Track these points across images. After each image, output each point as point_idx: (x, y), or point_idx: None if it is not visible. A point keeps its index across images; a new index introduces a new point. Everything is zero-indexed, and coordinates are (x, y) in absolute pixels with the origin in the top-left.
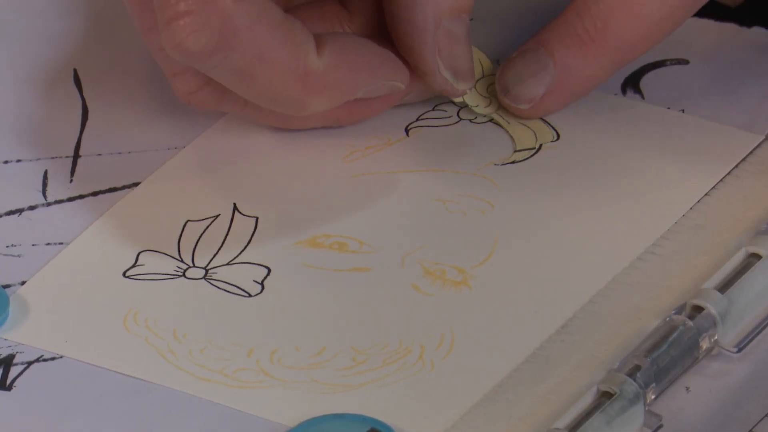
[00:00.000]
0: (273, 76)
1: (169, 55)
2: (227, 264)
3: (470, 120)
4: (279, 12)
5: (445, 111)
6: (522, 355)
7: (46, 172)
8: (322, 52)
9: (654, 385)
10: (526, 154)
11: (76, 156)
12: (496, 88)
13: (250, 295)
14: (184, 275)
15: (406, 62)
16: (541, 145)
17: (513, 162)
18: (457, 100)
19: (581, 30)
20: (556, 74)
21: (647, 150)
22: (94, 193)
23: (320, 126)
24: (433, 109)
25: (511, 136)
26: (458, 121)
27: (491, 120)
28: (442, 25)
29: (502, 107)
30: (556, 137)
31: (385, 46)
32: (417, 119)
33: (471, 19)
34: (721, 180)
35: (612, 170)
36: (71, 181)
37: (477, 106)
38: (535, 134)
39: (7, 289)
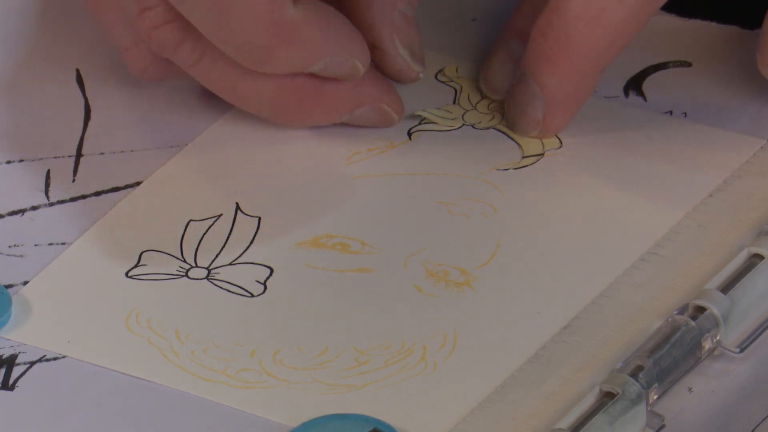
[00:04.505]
0: (246, 15)
1: None
2: (230, 264)
3: (473, 125)
4: None
5: (450, 112)
6: (524, 356)
7: (48, 172)
8: (298, 4)
9: (656, 385)
10: (534, 160)
11: (79, 155)
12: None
13: (252, 296)
14: (186, 275)
15: None
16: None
17: (517, 167)
18: (457, 124)
19: (547, 48)
20: (545, 96)
21: (649, 155)
22: (97, 193)
23: (270, 117)
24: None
25: (518, 143)
26: (461, 126)
27: (494, 126)
28: (397, 8)
29: (504, 119)
30: (560, 144)
31: None
32: (420, 123)
33: (474, 20)
34: (723, 181)
35: (613, 174)
36: (73, 180)
37: (479, 122)
38: (542, 141)
39: (9, 289)
